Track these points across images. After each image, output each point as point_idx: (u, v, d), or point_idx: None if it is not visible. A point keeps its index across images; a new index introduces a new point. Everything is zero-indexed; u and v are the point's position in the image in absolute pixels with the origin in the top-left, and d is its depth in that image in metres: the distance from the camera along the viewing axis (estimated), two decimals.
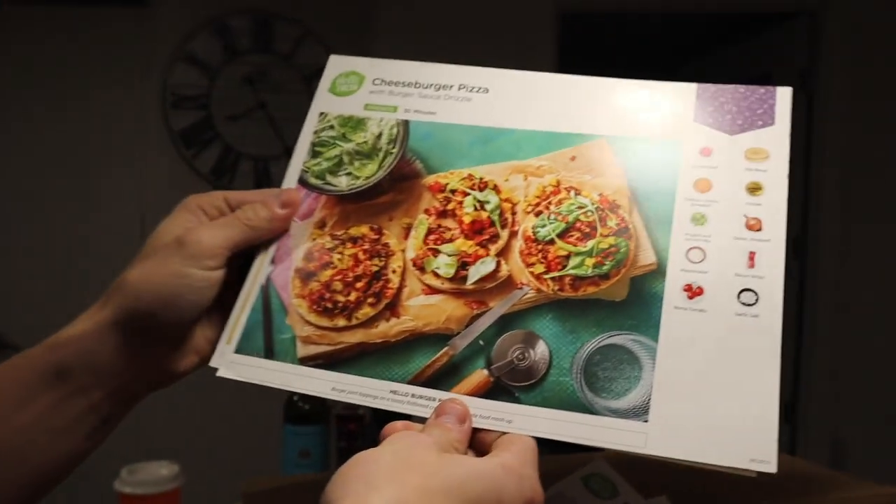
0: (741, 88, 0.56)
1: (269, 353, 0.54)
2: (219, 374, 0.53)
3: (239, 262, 0.57)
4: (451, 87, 0.61)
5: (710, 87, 0.57)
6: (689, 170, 0.54)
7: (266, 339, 0.54)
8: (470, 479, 0.40)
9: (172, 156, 2.82)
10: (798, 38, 2.89)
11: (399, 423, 0.46)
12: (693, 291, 0.50)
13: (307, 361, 0.53)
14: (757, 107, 0.55)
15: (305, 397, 1.17)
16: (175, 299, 0.51)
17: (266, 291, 0.56)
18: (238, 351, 0.54)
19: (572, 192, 0.55)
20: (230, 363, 0.53)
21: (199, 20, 2.83)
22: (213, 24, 2.83)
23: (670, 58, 3.75)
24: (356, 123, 0.61)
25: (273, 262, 0.57)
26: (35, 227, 2.75)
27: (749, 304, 0.49)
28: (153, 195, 2.41)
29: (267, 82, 2.85)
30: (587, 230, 0.53)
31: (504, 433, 0.47)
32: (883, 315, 2.81)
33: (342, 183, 0.59)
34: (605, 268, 0.52)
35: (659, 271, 0.51)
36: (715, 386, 0.46)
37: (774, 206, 0.51)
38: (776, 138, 0.54)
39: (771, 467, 0.43)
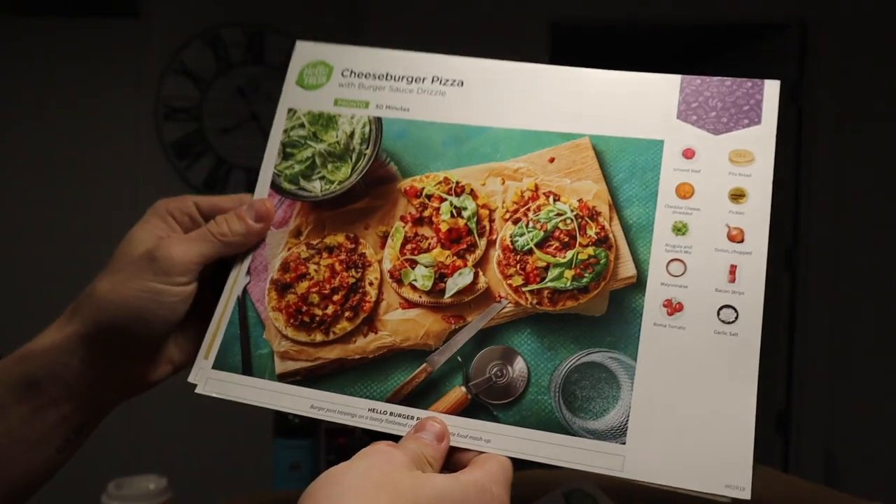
0: (727, 81, 0.53)
1: (248, 369, 0.53)
2: (197, 391, 0.53)
3: (210, 272, 0.55)
4: (425, 79, 0.58)
5: (695, 80, 0.54)
6: (670, 174, 0.52)
7: (244, 354, 0.53)
8: (440, 499, 0.40)
9: (165, 168, 2.79)
10: (788, 50, 2.87)
11: (381, 444, 0.45)
12: (673, 307, 0.49)
13: (286, 378, 0.52)
14: (743, 103, 0.52)
15: None
16: (146, 314, 0.50)
17: (242, 304, 0.55)
18: (216, 367, 0.53)
19: (551, 198, 0.53)
20: (208, 379, 0.53)
21: (191, 32, 2.79)
22: (205, 35, 2.81)
23: (660, 69, 3.73)
24: (327, 121, 0.58)
25: (249, 272, 0.56)
26: (26, 237, 2.74)
27: (728, 322, 0.47)
28: (146, 207, 2.39)
29: (259, 94, 2.80)
30: (566, 239, 0.52)
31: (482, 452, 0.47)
32: (876, 325, 2.80)
33: (316, 188, 0.57)
34: (584, 280, 0.51)
35: (639, 285, 0.50)
36: (692, 408, 0.46)
37: (757, 215, 0.49)
38: (762, 139, 0.51)
39: (745, 494, 0.43)
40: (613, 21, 2.97)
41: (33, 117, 2.74)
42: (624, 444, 0.46)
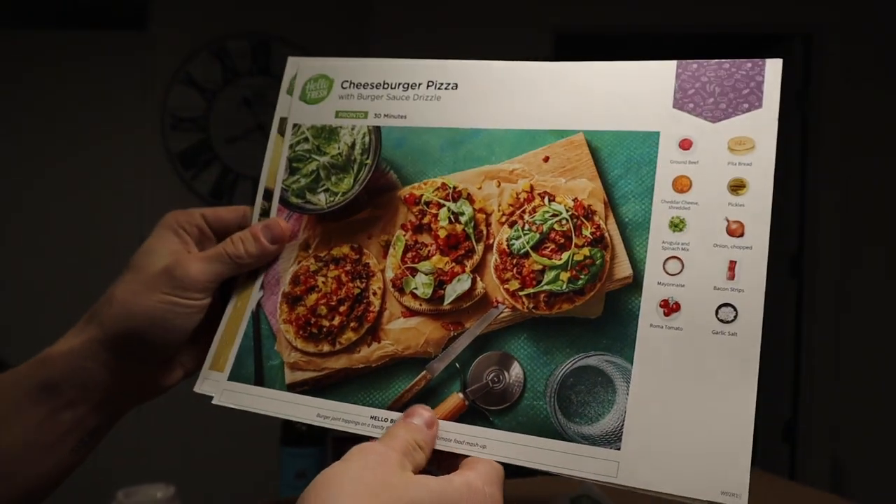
0: (725, 64, 0.50)
1: (260, 379, 0.55)
2: (214, 401, 0.55)
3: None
4: (420, 85, 0.58)
5: (692, 65, 0.51)
6: (667, 167, 0.49)
7: (256, 365, 0.55)
8: (432, 500, 0.40)
9: (171, 177, 2.82)
10: (793, 60, 2.84)
11: (374, 444, 0.46)
12: (669, 308, 0.47)
13: (294, 388, 0.54)
14: (743, 86, 0.49)
15: None
16: (165, 323, 0.53)
17: (256, 317, 0.57)
18: (231, 378, 0.55)
19: (546, 199, 0.52)
20: (224, 391, 0.55)
21: (197, 43, 2.82)
22: (211, 47, 2.83)
23: None
24: (329, 134, 0.59)
25: (262, 287, 0.57)
26: (33, 247, 2.76)
27: (727, 321, 0.45)
28: (152, 217, 2.42)
29: (265, 104, 2.82)
30: (562, 241, 0.51)
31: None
32: (882, 334, 2.76)
33: (321, 201, 0.58)
34: (580, 282, 0.49)
35: (635, 285, 0.48)
36: (687, 412, 0.44)
37: (758, 207, 0.47)
38: (763, 124, 0.48)
39: (741, 501, 0.41)
40: (617, 30, 2.96)
41: (42, 128, 2.78)
42: (619, 449, 0.45)
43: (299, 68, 0.62)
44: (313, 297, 0.55)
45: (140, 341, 0.53)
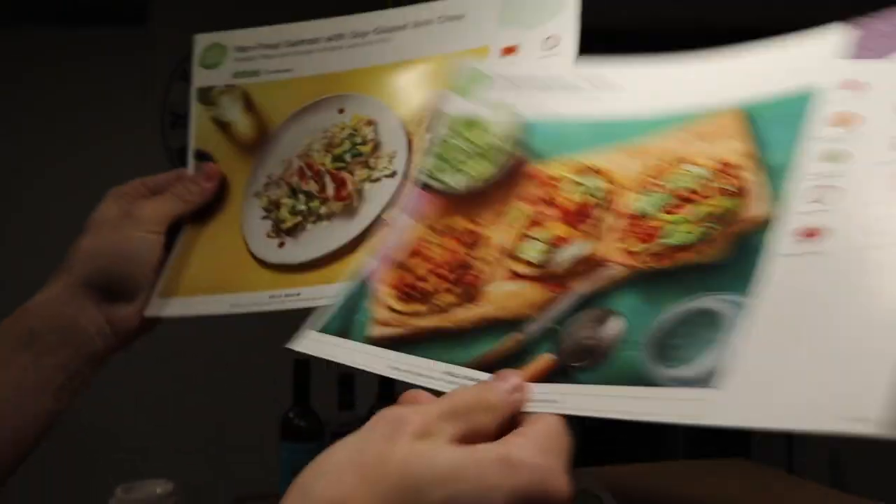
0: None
1: (344, 332, 0.54)
2: (297, 348, 0.54)
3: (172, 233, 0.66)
4: (579, 88, 0.57)
5: (859, 27, 0.46)
6: (825, 106, 0.44)
7: (345, 320, 0.55)
8: (439, 478, 0.32)
9: None
10: None
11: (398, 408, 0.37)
12: (810, 233, 0.40)
13: (375, 342, 0.52)
14: None
15: (301, 414, 1.23)
16: (130, 254, 0.61)
17: (364, 283, 0.56)
18: (321, 330, 0.55)
19: (685, 165, 0.48)
20: (306, 340, 0.55)
21: None
22: None
23: None
24: (473, 123, 0.60)
25: (375, 256, 0.57)
26: (31, 244, 2.75)
27: (880, 234, 0.37)
28: None
29: None
30: (695, 196, 0.46)
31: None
32: None
33: (455, 181, 0.58)
34: (708, 231, 0.44)
35: (771, 220, 0.42)
36: (815, 339, 0.36)
37: None
38: None
39: (871, 427, 0.32)
40: (617, 28, 2.95)
41: (42, 127, 2.77)
42: (716, 388, 0.37)
43: (457, 67, 0.63)
44: (423, 264, 0.54)
45: (108, 277, 0.60)
